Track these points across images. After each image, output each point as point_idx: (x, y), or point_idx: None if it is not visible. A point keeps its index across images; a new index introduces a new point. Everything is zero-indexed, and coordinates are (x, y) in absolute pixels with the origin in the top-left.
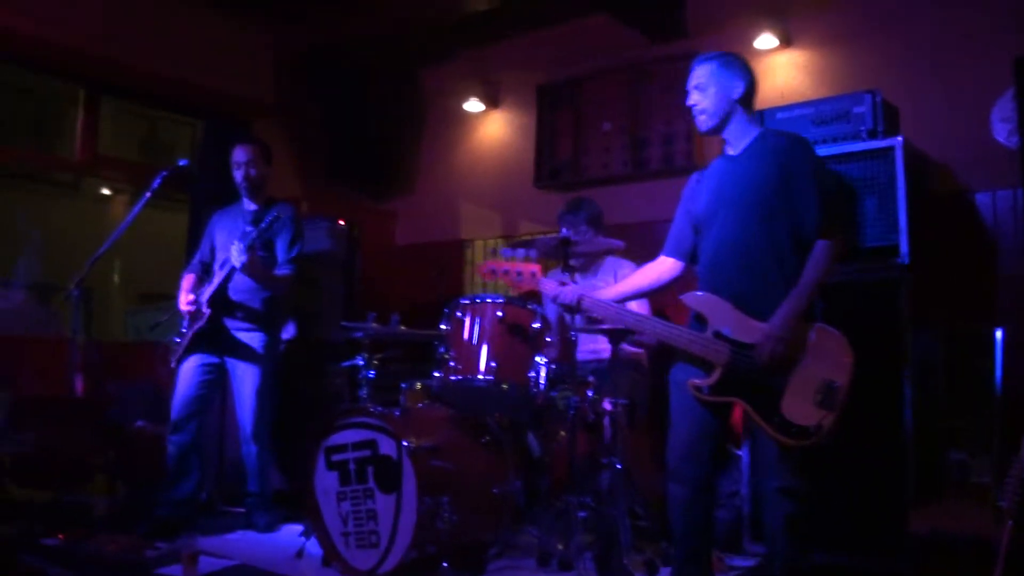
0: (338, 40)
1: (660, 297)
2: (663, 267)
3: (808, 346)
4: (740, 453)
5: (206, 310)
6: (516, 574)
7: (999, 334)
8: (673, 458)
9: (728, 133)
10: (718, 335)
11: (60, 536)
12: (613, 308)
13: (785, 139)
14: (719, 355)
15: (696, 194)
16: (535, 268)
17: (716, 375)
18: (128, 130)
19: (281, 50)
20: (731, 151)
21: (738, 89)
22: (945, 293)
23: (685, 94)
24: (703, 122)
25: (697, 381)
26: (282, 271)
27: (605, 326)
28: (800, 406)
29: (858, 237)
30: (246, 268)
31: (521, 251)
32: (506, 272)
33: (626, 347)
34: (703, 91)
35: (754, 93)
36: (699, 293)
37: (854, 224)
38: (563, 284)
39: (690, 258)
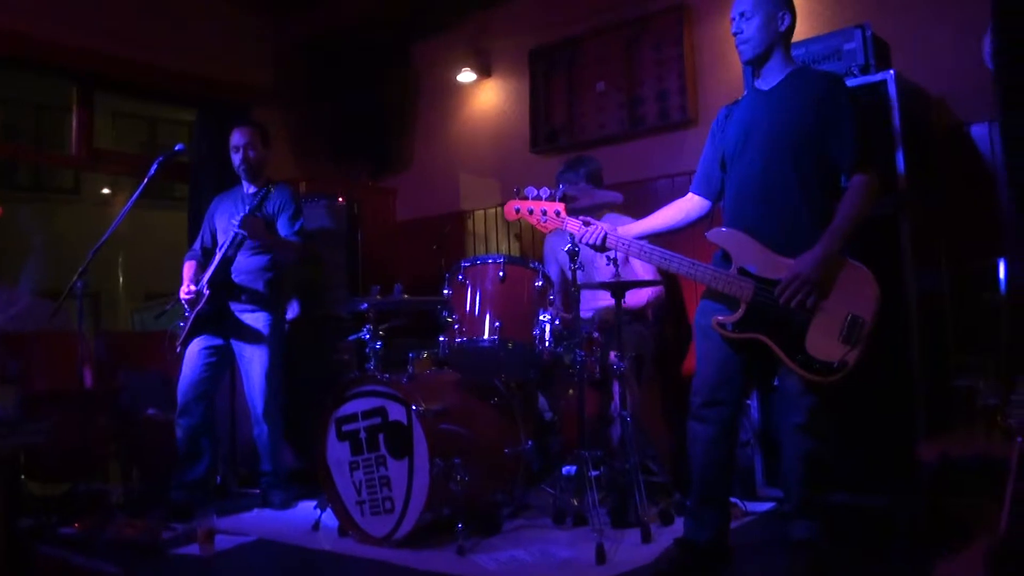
0: (331, 21)
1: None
2: (689, 204)
3: (835, 281)
4: (749, 402)
5: (206, 291)
6: (532, 532)
7: (1002, 265)
8: (697, 399)
9: (765, 66)
10: (743, 271)
11: (76, 525)
12: (638, 244)
13: (819, 76)
14: (743, 291)
15: (725, 128)
16: (559, 207)
17: (740, 312)
18: (128, 133)
19: (275, 34)
20: (763, 86)
21: (784, 20)
22: (947, 227)
23: (679, 46)
24: (745, 51)
25: (721, 318)
26: (290, 239)
27: (608, 281)
28: (824, 342)
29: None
30: (249, 229)
31: (546, 190)
32: (531, 211)
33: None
34: (748, 19)
35: (794, 29)
36: (723, 229)
37: (885, 160)
38: (587, 224)
39: (718, 196)
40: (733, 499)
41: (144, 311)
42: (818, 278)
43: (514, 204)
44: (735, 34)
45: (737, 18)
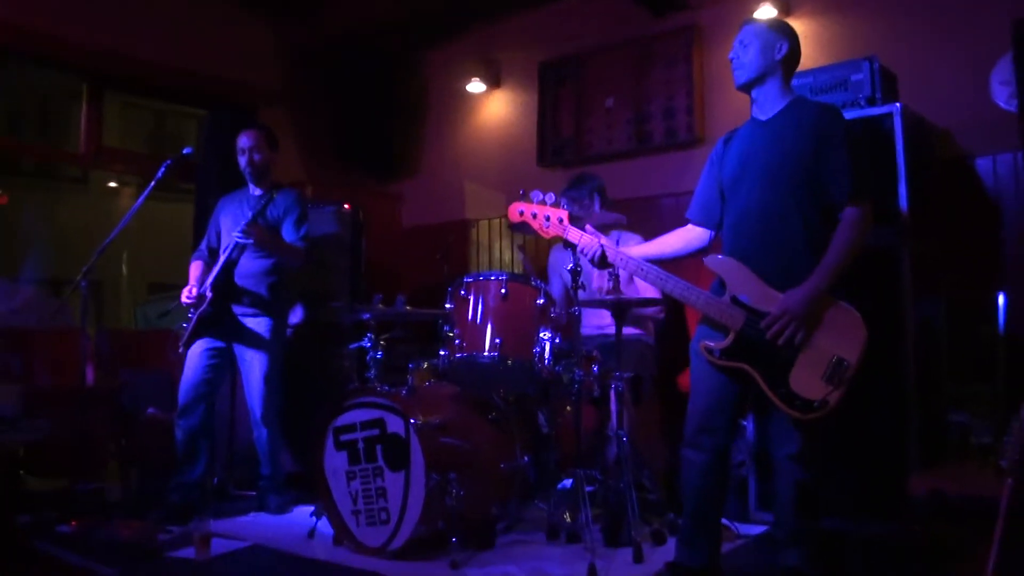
0: (341, 27)
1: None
2: (691, 235)
3: (824, 321)
4: (745, 423)
5: (209, 294)
6: (525, 548)
7: (1001, 298)
8: (691, 426)
9: (761, 93)
10: (735, 300)
11: (74, 523)
12: (635, 261)
13: (817, 107)
14: (733, 320)
15: (723, 158)
16: (563, 214)
17: (728, 339)
18: (135, 124)
19: (285, 38)
20: (760, 116)
21: (782, 49)
22: (947, 258)
23: (688, 65)
24: (739, 76)
25: (710, 343)
26: (295, 245)
27: (608, 298)
28: (808, 379)
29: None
30: (254, 238)
31: (552, 195)
32: (534, 215)
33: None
34: (745, 46)
35: (795, 61)
36: (720, 257)
37: (880, 189)
38: (588, 235)
39: (718, 225)
40: (725, 521)
41: (147, 305)
42: (805, 314)
43: (518, 206)
44: (731, 59)
45: (736, 45)
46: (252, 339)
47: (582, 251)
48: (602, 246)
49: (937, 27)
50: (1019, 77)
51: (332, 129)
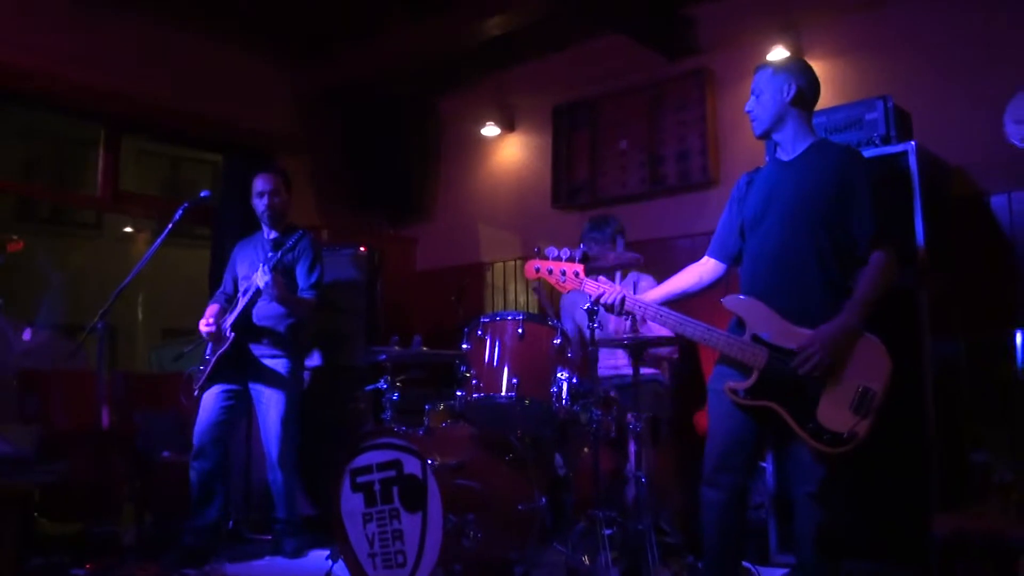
0: (356, 72)
1: (687, 304)
2: (706, 268)
3: (849, 353)
4: (764, 464)
5: (229, 334)
6: None
7: (1019, 336)
8: (709, 465)
9: (781, 136)
10: (756, 339)
11: (88, 566)
12: (654, 308)
13: (839, 149)
14: (756, 358)
15: (745, 196)
16: (578, 268)
17: (753, 378)
18: (151, 170)
19: (299, 82)
20: (784, 156)
21: (790, 91)
22: (964, 296)
23: (701, 107)
24: (755, 128)
25: (733, 384)
26: (304, 296)
27: (625, 338)
28: (835, 412)
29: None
30: (270, 288)
31: (566, 250)
32: (550, 271)
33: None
34: (757, 97)
35: (812, 97)
36: (740, 296)
37: (904, 232)
38: (605, 285)
39: (734, 260)
40: (746, 564)
41: (161, 349)
42: (836, 348)
43: (534, 264)
44: (748, 112)
45: (751, 98)
46: (270, 379)
47: (598, 301)
48: (622, 296)
49: (950, 67)
50: None
51: (347, 173)
